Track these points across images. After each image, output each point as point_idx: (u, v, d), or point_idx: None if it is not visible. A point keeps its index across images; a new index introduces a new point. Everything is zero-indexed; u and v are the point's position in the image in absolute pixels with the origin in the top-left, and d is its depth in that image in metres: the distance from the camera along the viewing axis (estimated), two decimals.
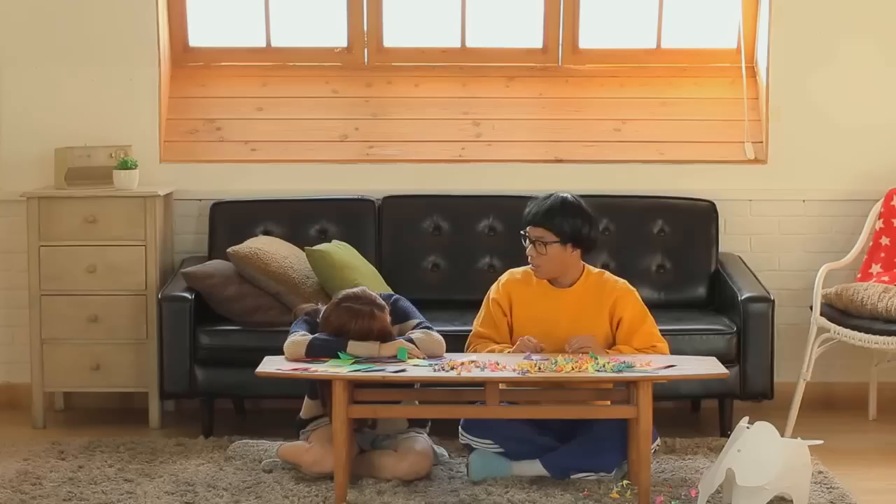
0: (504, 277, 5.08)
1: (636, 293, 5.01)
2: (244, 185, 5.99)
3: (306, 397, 4.96)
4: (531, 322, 4.95)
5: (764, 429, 4.39)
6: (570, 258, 4.94)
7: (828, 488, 4.71)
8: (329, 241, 5.71)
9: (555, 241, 4.90)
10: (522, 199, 5.83)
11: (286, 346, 4.73)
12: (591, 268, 5.03)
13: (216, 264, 5.59)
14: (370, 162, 6.04)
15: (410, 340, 4.72)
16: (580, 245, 4.94)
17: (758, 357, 5.37)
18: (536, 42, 6.26)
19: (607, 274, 5.05)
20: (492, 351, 4.91)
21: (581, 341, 4.80)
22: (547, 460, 4.81)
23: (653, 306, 5.75)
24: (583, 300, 4.96)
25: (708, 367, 4.68)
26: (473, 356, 4.73)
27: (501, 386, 4.67)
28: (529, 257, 4.96)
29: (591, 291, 4.97)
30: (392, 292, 5.12)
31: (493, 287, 5.08)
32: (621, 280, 5.03)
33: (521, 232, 4.98)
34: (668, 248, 5.87)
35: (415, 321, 4.85)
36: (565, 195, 4.97)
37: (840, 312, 5.49)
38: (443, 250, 5.88)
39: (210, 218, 5.88)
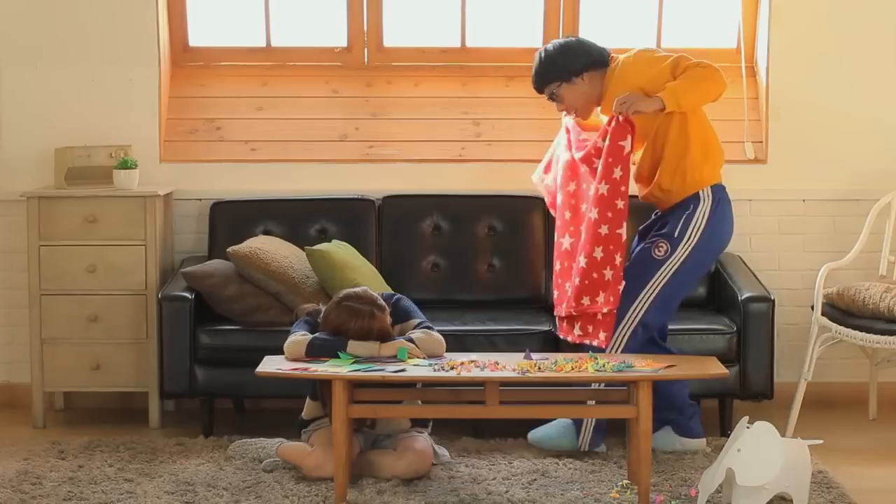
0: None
1: (637, 54, 5.03)
2: (244, 185, 5.99)
3: (308, 398, 4.96)
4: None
5: (764, 429, 4.39)
6: (588, 85, 5.07)
7: (828, 488, 4.71)
8: (329, 241, 5.71)
9: (559, 85, 5.06)
10: (522, 199, 5.86)
11: (286, 345, 4.73)
12: (609, 72, 5.06)
13: (216, 264, 5.59)
14: (370, 162, 6.04)
15: (411, 340, 4.72)
16: (584, 71, 5.05)
17: (758, 357, 5.37)
18: (536, 42, 6.25)
19: (622, 60, 5.06)
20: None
21: (624, 98, 4.84)
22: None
23: None
24: (610, 95, 5.00)
25: (708, 367, 4.68)
26: (473, 356, 4.72)
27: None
28: (562, 113, 5.19)
29: (611, 84, 5.03)
30: (393, 292, 5.12)
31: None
32: (629, 56, 5.05)
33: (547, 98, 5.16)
34: None
35: (415, 321, 4.85)
36: (542, 49, 5.13)
37: (841, 312, 5.49)
38: (443, 250, 5.87)
39: (210, 218, 5.88)
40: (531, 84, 5.18)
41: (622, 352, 4.95)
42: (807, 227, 6.05)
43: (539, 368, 4.53)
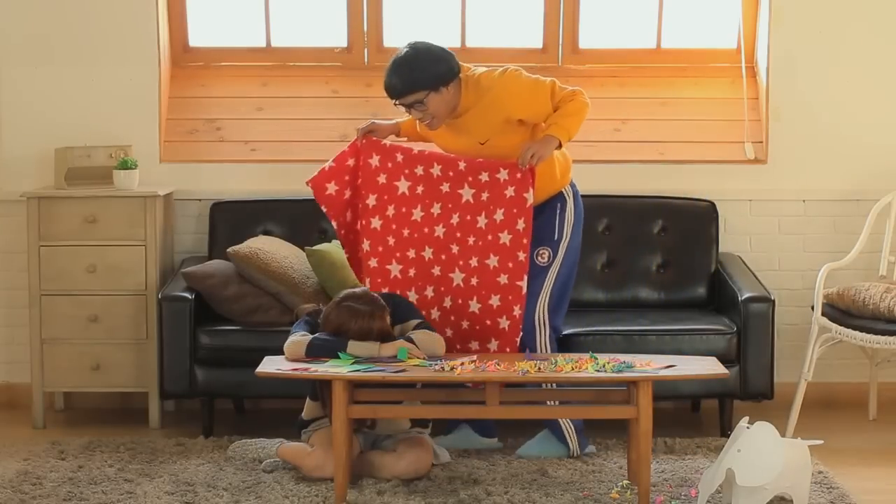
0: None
1: (513, 76, 4.98)
2: (244, 185, 5.99)
3: (308, 398, 4.95)
4: (441, 144, 5.11)
5: (764, 429, 4.39)
6: (451, 94, 4.97)
7: (828, 488, 4.71)
8: (329, 241, 5.71)
9: (428, 94, 4.92)
10: None
11: (286, 346, 4.73)
12: (464, 81, 4.99)
13: (216, 264, 5.59)
14: None
15: (410, 340, 4.72)
16: (451, 80, 4.96)
17: (758, 357, 5.37)
18: (536, 42, 6.26)
19: (480, 74, 5.02)
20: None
21: (532, 150, 4.82)
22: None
23: (653, 306, 5.79)
24: (474, 113, 4.96)
25: (708, 367, 4.68)
26: (474, 356, 4.72)
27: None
28: (417, 121, 5.02)
29: (480, 102, 4.96)
30: (393, 292, 5.11)
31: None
32: (495, 73, 5.01)
33: (395, 103, 4.98)
34: (668, 248, 5.87)
35: (415, 321, 4.85)
36: (403, 52, 4.98)
37: (841, 312, 5.49)
38: None
39: (210, 218, 5.88)
40: (386, 87, 4.97)
41: None
42: (807, 228, 6.05)
43: (539, 368, 4.53)
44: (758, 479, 4.33)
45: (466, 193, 5.00)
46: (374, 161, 5.04)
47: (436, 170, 5.02)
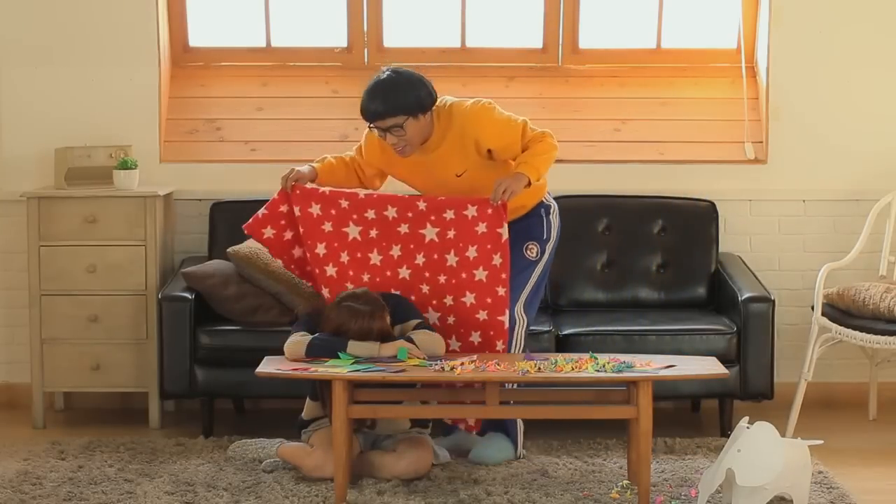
0: (366, 142, 5.06)
1: (486, 109, 4.94)
2: (244, 185, 5.99)
3: (308, 398, 4.95)
4: (409, 178, 5.07)
5: (764, 429, 4.39)
6: (427, 120, 4.92)
7: (828, 488, 4.71)
8: None
9: (407, 119, 4.86)
10: None
11: (286, 346, 4.73)
12: (436, 111, 4.96)
13: (216, 264, 5.59)
14: None
15: (410, 340, 4.72)
16: (431, 107, 4.92)
17: (758, 357, 5.37)
18: (536, 42, 6.26)
19: (451, 104, 4.98)
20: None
21: (504, 186, 4.80)
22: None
23: (653, 306, 5.79)
24: (448, 144, 4.93)
25: (708, 367, 4.68)
26: (474, 356, 4.72)
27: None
28: (391, 144, 4.92)
29: (451, 133, 4.93)
30: (393, 292, 5.11)
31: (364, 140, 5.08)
32: (466, 104, 4.97)
33: (370, 126, 4.92)
34: (668, 248, 5.87)
35: (415, 321, 4.85)
36: (384, 75, 4.92)
37: (841, 312, 5.49)
38: None
39: (210, 218, 5.88)
40: (365, 110, 4.88)
41: (524, 351, 5.00)
42: (807, 228, 6.05)
43: (539, 369, 4.53)
44: (758, 479, 4.33)
45: (429, 233, 4.91)
46: (315, 210, 4.95)
47: (391, 212, 4.92)
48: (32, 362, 5.68)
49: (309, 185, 5.01)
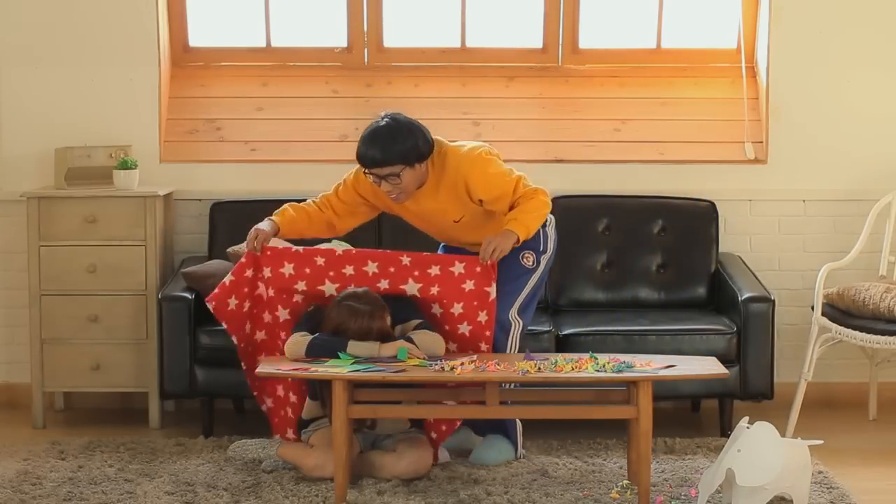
0: (357, 176, 5.02)
1: (481, 159, 4.90)
2: (244, 185, 5.99)
3: (308, 398, 4.95)
4: (407, 217, 5.04)
5: (764, 429, 4.39)
6: (423, 168, 4.89)
7: (828, 488, 4.71)
8: (329, 241, 5.70)
9: (404, 168, 4.83)
10: None
11: (286, 346, 4.74)
12: (432, 156, 4.93)
13: (216, 264, 5.59)
14: None
15: (410, 340, 4.72)
16: (429, 156, 4.89)
17: (758, 357, 5.37)
18: (536, 42, 6.26)
19: (447, 149, 4.95)
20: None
21: (493, 245, 4.79)
22: None
23: (653, 306, 5.79)
24: (445, 190, 4.91)
25: (708, 367, 4.68)
26: (474, 356, 4.72)
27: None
28: (385, 192, 4.88)
29: (446, 178, 4.91)
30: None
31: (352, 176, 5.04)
32: (462, 151, 4.92)
33: (365, 173, 4.89)
34: (668, 248, 5.87)
35: (415, 321, 4.85)
36: (382, 123, 4.87)
37: (841, 312, 5.49)
38: None
39: (210, 218, 5.88)
40: (363, 157, 4.83)
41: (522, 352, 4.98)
42: (807, 228, 6.05)
43: (539, 369, 4.53)
44: (758, 479, 4.33)
45: (411, 288, 4.87)
46: (288, 269, 4.89)
47: (371, 267, 4.87)
48: (32, 362, 5.68)
49: (280, 245, 4.95)
